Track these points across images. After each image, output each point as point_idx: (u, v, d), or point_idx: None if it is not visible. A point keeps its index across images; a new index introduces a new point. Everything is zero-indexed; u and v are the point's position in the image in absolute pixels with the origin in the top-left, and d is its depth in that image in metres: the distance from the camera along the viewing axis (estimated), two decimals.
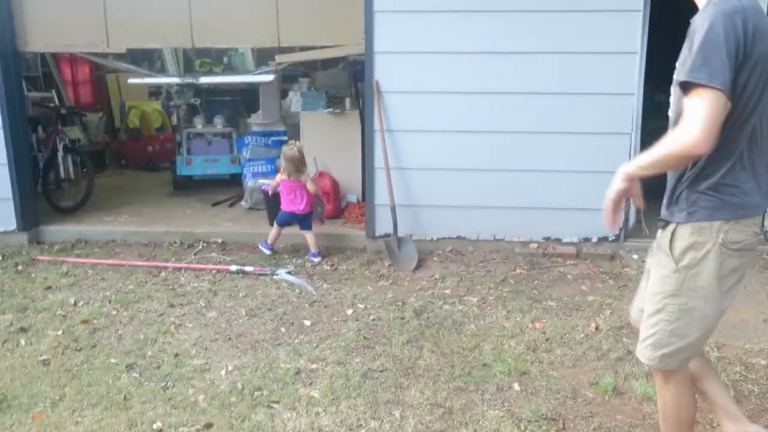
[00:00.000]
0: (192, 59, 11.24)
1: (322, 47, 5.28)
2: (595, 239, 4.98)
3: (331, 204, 5.69)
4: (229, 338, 3.48)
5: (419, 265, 4.70)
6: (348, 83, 7.18)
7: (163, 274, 4.56)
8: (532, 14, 4.66)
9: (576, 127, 4.79)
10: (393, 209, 4.86)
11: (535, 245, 4.98)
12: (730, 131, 1.81)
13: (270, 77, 5.93)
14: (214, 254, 4.99)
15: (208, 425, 2.65)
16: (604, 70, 4.69)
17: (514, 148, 4.86)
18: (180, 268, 4.63)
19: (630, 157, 4.81)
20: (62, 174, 5.98)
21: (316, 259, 4.81)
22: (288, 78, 7.97)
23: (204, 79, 6.13)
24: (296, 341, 3.44)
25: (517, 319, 3.72)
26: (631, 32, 4.63)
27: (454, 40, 4.74)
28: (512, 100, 4.79)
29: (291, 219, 4.94)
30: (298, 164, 4.86)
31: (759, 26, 1.73)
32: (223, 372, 3.09)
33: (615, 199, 2.00)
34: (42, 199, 5.87)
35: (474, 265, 4.73)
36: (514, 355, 3.26)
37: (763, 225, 2.00)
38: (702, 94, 1.68)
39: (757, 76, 1.77)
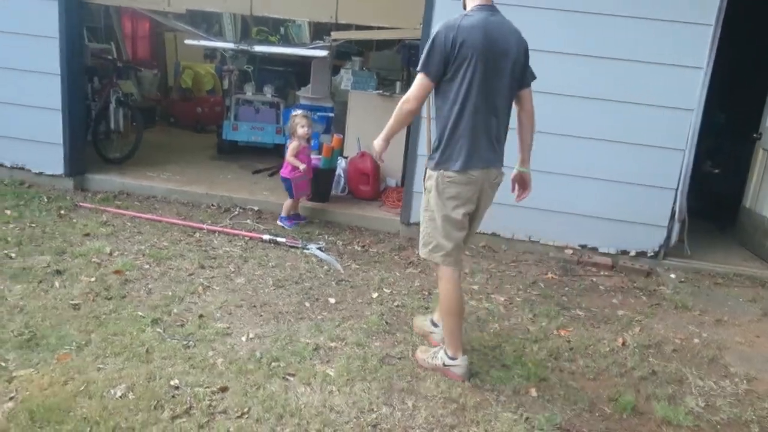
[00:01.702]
0: (249, 27, 11.33)
1: (379, 28, 5.23)
2: (633, 253, 4.86)
3: (370, 186, 5.68)
4: (254, 306, 3.52)
5: None
6: (400, 67, 7.14)
7: (197, 234, 4.63)
8: (602, 17, 4.51)
9: (628, 137, 4.65)
10: None
11: (570, 251, 4.89)
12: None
13: (323, 52, 5.91)
14: (249, 221, 5.05)
15: (224, 389, 2.69)
16: (666, 82, 4.54)
17: (560, 150, 4.75)
18: (214, 231, 4.69)
19: (681, 175, 4.67)
20: (112, 126, 6.11)
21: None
22: (341, 55, 7.96)
23: (258, 48, 6.14)
24: (319, 317, 3.46)
25: (543, 324, 3.66)
26: (699, 46, 4.46)
27: None
28: (564, 102, 4.67)
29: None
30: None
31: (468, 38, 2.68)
32: (243, 338, 3.13)
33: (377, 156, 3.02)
34: (91, 149, 6.01)
35: (505, 263, 4.67)
36: (535, 360, 3.21)
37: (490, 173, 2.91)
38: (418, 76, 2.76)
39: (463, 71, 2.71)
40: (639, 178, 4.71)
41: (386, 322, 3.46)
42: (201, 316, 3.31)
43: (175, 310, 3.35)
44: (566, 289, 4.29)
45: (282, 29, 10.68)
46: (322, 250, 4.48)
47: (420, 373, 2.98)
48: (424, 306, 3.72)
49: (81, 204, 5.04)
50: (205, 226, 4.76)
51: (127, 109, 6.27)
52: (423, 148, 4.84)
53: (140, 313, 3.27)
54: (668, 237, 4.82)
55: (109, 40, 8.60)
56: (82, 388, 2.58)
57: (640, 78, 4.55)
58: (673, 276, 4.68)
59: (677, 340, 3.61)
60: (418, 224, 5.17)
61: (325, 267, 4.22)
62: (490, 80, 2.73)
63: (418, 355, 3.08)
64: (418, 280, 4.16)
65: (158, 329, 3.13)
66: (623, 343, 3.51)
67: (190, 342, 3.03)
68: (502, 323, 3.63)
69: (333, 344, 3.16)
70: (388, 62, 6.87)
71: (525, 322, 3.67)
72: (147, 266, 3.93)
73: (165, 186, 5.59)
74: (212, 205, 5.37)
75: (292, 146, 5.00)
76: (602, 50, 4.56)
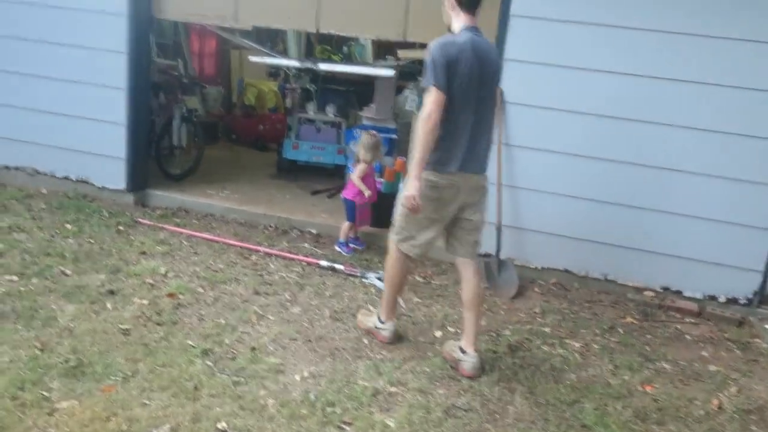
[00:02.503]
0: (313, 45, 11.35)
1: None
2: (722, 299, 4.39)
3: None
4: (309, 340, 3.29)
5: (518, 294, 4.33)
6: None
7: (254, 257, 4.47)
8: (691, 38, 4.14)
9: (724, 171, 4.23)
10: (499, 228, 4.51)
11: (651, 294, 4.47)
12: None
13: (390, 72, 5.72)
14: (306, 244, 4.86)
15: None
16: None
17: (643, 183, 4.37)
18: (271, 255, 4.52)
19: None
20: (175, 142, 6.08)
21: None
22: (405, 76, 7.78)
23: (323, 66, 6.02)
24: (378, 357, 3.20)
25: (625, 377, 3.29)
26: None
27: (595, 57, 4.32)
28: (650, 131, 4.30)
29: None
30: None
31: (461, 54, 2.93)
32: (297, 377, 2.90)
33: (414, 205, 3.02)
34: (153, 164, 5.99)
35: (579, 304, 4.30)
36: (619, 421, 2.85)
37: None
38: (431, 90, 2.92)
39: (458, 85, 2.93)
40: (732, 215, 4.26)
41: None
42: (253, 348, 3.11)
43: (226, 341, 3.16)
44: (648, 337, 3.89)
45: (345, 48, 10.66)
46: (381, 280, 4.22)
47: (490, 429, 2.67)
48: (492, 350, 3.41)
49: (140, 220, 4.98)
50: (261, 248, 4.60)
51: (191, 125, 6.23)
52: (493, 174, 4.54)
53: (191, 343, 3.10)
54: (764, 283, 4.33)
55: (176, 57, 8.71)
56: (124, 427, 2.40)
57: (742, 105, 4.14)
58: None
59: None
60: (484, 255, 4.90)
61: None
62: (479, 91, 2.99)
63: (358, 318, 3.51)
64: (484, 319, 3.85)
65: (208, 362, 2.94)
66: (719, 406, 3.09)
67: (241, 378, 2.83)
68: (579, 373, 3.27)
69: (393, 389, 2.89)
70: None
71: (605, 374, 3.31)
72: (201, 290, 3.78)
73: (223, 204, 5.49)
74: (270, 226, 5.22)
75: (359, 168, 4.81)
76: (694, 74, 4.17)
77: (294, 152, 6.80)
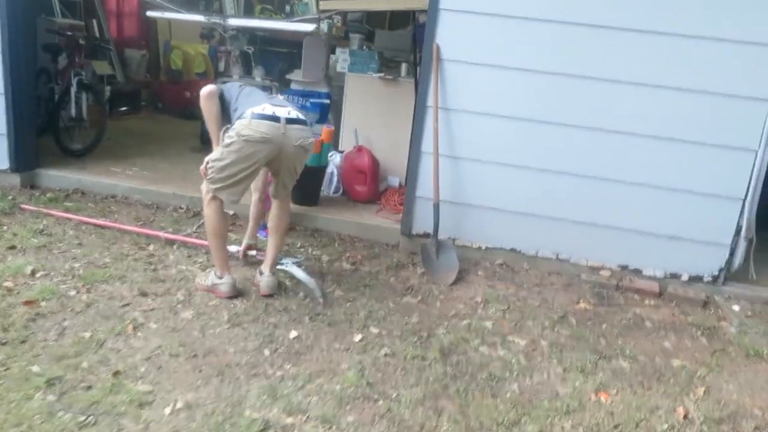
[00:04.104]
0: (253, 4, 10.46)
1: None
2: (685, 277, 3.93)
3: (367, 186, 4.81)
4: (195, 355, 2.68)
5: (459, 279, 3.79)
6: (410, 47, 6.21)
7: (152, 247, 3.81)
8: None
9: (684, 134, 3.73)
10: (436, 206, 3.94)
11: (607, 273, 3.98)
12: None
13: (310, 26, 5.02)
14: None
15: None
16: (747, 64, 3.59)
17: (600, 150, 3.85)
18: (173, 242, 3.87)
19: (751, 181, 3.73)
20: (73, 112, 5.29)
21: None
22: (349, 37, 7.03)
23: (233, 21, 5.28)
24: (278, 373, 2.61)
25: (576, 383, 2.78)
26: None
27: (544, 5, 3.71)
28: (607, 89, 3.75)
29: None
30: None
31: None
32: (167, 410, 2.29)
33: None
34: (51, 139, 5.22)
35: (528, 288, 3.78)
36: None
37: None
38: None
39: None
40: (695, 184, 3.78)
41: (367, 382, 2.60)
42: (117, 372, 2.48)
43: (85, 363, 2.52)
44: (604, 326, 3.39)
45: (288, 7, 9.80)
46: (300, 267, 3.62)
47: None
48: (420, 356, 2.85)
49: (24, 206, 4.24)
50: (162, 234, 3.93)
51: (92, 93, 5.43)
52: (429, 144, 3.96)
53: (36, 369, 2.45)
54: (731, 258, 3.88)
55: (90, 17, 7.78)
56: None
57: (707, 57, 3.61)
58: (736, 308, 3.75)
59: (757, 410, 2.71)
60: (421, 236, 4.36)
61: (301, 294, 3.37)
62: None
63: (196, 281, 3.34)
64: (416, 313, 3.30)
65: (51, 396, 2.30)
66: (685, 416, 2.61)
67: (90, 417, 2.20)
68: (522, 382, 2.75)
69: (289, 420, 2.31)
70: (397, 42, 5.93)
71: (553, 380, 2.79)
72: (72, 293, 3.12)
73: (128, 184, 4.77)
74: (180, 207, 4.54)
75: None
76: (659, 24, 3.61)
77: None
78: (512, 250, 4.08)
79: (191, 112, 7.68)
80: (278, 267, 3.55)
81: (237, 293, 3.24)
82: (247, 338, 2.85)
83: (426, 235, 4.07)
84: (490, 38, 3.82)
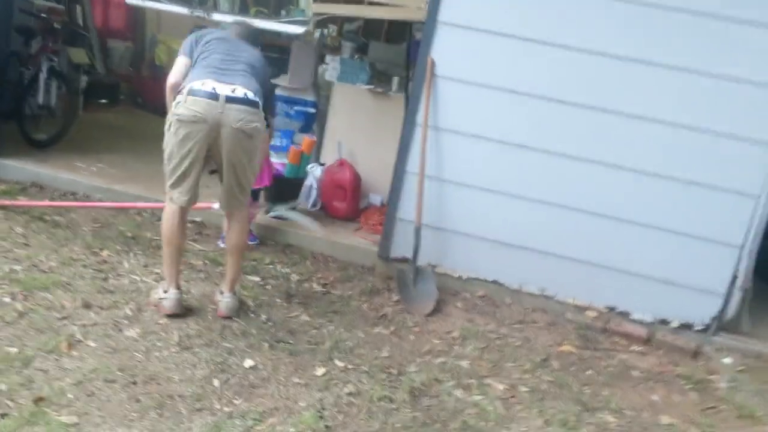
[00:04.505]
0: (249, 6, 10.21)
1: (372, 3, 4.10)
2: (675, 323, 3.70)
3: (346, 202, 4.54)
4: (134, 382, 2.38)
5: (436, 310, 3.53)
6: (404, 61, 5.98)
7: (106, 252, 3.50)
8: (652, 10, 3.39)
9: (685, 172, 3.51)
10: (418, 230, 3.68)
11: (593, 314, 3.74)
12: None
13: (300, 29, 4.76)
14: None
15: None
16: (752, 105, 3.40)
17: (594, 183, 3.62)
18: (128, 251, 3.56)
19: (750, 228, 3.53)
20: (40, 100, 4.96)
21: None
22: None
23: (218, 17, 5.00)
24: (226, 409, 2.32)
25: None
26: None
27: (547, 26, 3.51)
28: (605, 120, 3.54)
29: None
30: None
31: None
32: None
33: None
34: (14, 127, 4.89)
35: (508, 325, 3.53)
36: None
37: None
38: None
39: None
40: (692, 227, 3.57)
41: (326, 426, 2.32)
42: (40, 399, 2.17)
43: (4, 386, 2.20)
44: (588, 372, 3.15)
45: (283, 12, 9.55)
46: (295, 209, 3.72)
47: None
48: (388, 397, 2.57)
49: None
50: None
51: (62, 80, 5.11)
52: (415, 163, 3.71)
53: None
54: (724, 308, 3.66)
55: (75, 3, 7.46)
56: None
57: (721, 97, 3.43)
58: (728, 361, 3.52)
59: None
60: (399, 260, 4.09)
61: (263, 317, 3.08)
62: None
63: (150, 295, 3.03)
64: (387, 346, 3.02)
65: None
66: None
67: None
68: None
69: None
70: (391, 54, 5.70)
71: None
72: (7, 299, 2.80)
73: (90, 182, 4.45)
74: (145, 211, 4.23)
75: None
76: (665, 58, 3.42)
77: None
78: (495, 282, 3.83)
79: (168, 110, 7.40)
80: (269, 215, 3.77)
81: (181, 311, 2.91)
82: (196, 365, 2.56)
83: (404, 260, 3.81)
84: (488, 58, 3.60)
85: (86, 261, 3.34)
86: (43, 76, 4.96)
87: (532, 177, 3.67)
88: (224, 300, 3.01)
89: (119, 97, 7.59)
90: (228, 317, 2.97)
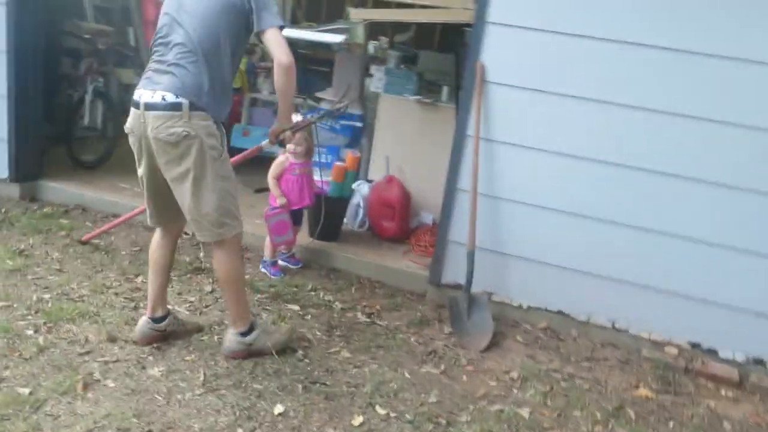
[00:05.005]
0: (299, 19, 10.14)
1: (416, 6, 3.82)
2: None
3: (394, 222, 4.24)
4: (149, 430, 2.13)
5: (493, 344, 3.16)
6: (455, 72, 5.67)
7: (140, 278, 3.32)
8: None
9: None
10: (471, 254, 3.32)
11: (674, 351, 3.28)
12: None
13: (338, 37, 4.52)
14: None
15: None
16: None
17: (675, 201, 3.18)
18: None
19: None
20: (86, 121, 4.92)
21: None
22: (405, 59, 6.48)
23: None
24: None
25: None
26: None
27: (616, 23, 3.11)
28: (689, 127, 3.10)
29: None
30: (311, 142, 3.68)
31: None
32: None
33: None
34: (62, 149, 4.85)
35: (575, 362, 3.12)
36: None
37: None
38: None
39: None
40: None
41: None
42: None
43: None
44: (671, 424, 2.70)
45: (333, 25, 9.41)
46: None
47: None
48: None
49: (85, 238, 3.75)
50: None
51: (108, 101, 5.06)
52: (467, 179, 3.38)
53: None
54: None
55: (127, 24, 7.53)
56: None
57: None
58: None
59: None
60: (452, 286, 3.76)
61: (300, 353, 2.80)
62: None
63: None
64: (436, 389, 2.68)
65: None
66: None
67: None
68: None
69: None
70: (440, 63, 5.40)
71: None
72: (30, 332, 2.63)
73: (132, 202, 4.31)
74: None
75: (276, 162, 3.65)
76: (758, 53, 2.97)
77: (243, 139, 5.62)
78: (559, 312, 3.43)
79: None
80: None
81: (145, 342, 2.64)
82: (220, 410, 2.29)
83: (458, 287, 3.47)
84: (547, 60, 3.23)
85: (119, 288, 3.17)
86: (88, 97, 4.91)
87: (601, 194, 3.27)
88: (225, 337, 2.68)
89: None
90: (231, 358, 2.64)
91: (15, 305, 2.83)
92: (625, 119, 3.16)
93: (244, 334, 2.61)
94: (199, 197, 2.38)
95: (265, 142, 2.95)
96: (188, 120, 2.31)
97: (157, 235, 2.67)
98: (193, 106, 2.32)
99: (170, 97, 2.31)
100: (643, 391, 2.94)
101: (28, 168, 4.36)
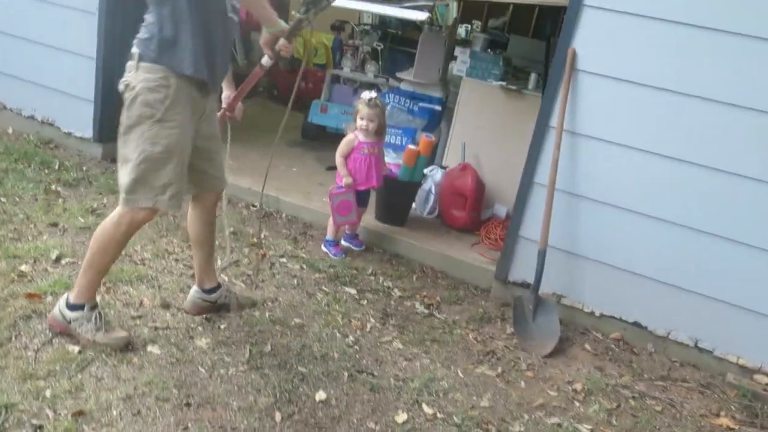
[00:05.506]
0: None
1: None
2: None
3: (466, 211, 4.05)
4: (187, 404, 2.09)
5: (558, 350, 2.94)
6: (546, 57, 5.36)
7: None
8: None
9: None
10: (542, 252, 3.10)
11: (764, 379, 2.94)
12: None
13: (422, 14, 4.34)
14: (284, 237, 3.66)
15: None
16: None
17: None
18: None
19: None
20: None
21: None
22: (493, 44, 6.21)
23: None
24: None
25: None
26: None
27: (738, 14, 2.76)
28: None
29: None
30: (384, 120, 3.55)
31: None
32: None
33: None
34: None
35: (648, 380, 2.85)
36: None
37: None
38: None
39: None
40: None
41: None
42: (79, 413, 1.94)
43: (49, 392, 2.00)
44: None
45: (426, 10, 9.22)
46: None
47: None
48: None
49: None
50: None
51: None
52: (545, 174, 3.14)
53: None
54: None
55: None
56: None
57: None
58: None
59: None
60: (519, 284, 3.54)
61: (350, 338, 2.69)
62: None
63: None
64: (490, 393, 2.51)
65: None
66: None
67: None
68: None
69: None
70: (530, 49, 5.12)
71: None
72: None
73: None
74: (253, 205, 4.05)
75: (344, 140, 3.54)
76: None
77: (321, 116, 5.58)
78: (635, 323, 3.15)
79: (303, 102, 7.33)
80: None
81: (197, 312, 2.63)
82: (260, 390, 2.22)
83: (526, 285, 3.26)
84: (647, 49, 2.92)
85: (180, 255, 3.18)
86: None
87: (693, 199, 2.95)
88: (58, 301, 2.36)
89: (258, 89, 7.66)
90: (49, 324, 2.33)
91: (79, 263, 2.87)
92: (737, 122, 2.81)
93: (72, 308, 2.29)
94: (121, 154, 2.17)
95: (264, 58, 2.53)
96: (135, 72, 2.14)
97: (189, 207, 2.57)
98: (141, 57, 2.14)
99: (133, 48, 2.18)
100: (723, 420, 2.64)
101: (111, 129, 4.46)
